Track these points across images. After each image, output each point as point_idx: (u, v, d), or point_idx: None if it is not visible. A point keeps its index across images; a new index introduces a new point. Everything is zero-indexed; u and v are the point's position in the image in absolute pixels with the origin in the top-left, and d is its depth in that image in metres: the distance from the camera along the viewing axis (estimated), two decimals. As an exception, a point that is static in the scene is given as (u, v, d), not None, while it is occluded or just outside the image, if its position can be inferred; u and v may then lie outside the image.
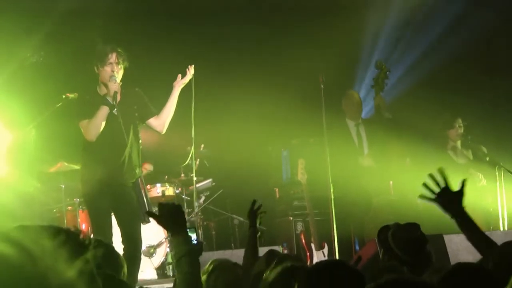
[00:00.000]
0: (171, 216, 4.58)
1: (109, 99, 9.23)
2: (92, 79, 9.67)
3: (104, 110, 9.22)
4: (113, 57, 9.34)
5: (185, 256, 4.44)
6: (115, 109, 9.24)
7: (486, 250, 4.61)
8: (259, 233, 6.96)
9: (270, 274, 4.26)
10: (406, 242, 5.26)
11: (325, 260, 8.01)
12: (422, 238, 5.34)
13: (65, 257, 1.08)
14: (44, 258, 1.02)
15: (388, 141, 11.06)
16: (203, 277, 5.75)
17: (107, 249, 6.17)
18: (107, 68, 9.33)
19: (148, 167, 12.10)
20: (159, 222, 4.72)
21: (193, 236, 4.94)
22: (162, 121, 9.63)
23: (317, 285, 3.35)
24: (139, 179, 9.58)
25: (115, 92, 9.20)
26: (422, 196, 4.84)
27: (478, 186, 11.20)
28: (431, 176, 4.87)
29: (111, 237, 9.07)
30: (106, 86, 9.34)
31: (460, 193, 4.85)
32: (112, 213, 9.39)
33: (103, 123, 9.22)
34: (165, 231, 11.53)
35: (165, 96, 9.75)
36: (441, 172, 4.82)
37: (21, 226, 1.11)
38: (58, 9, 11.99)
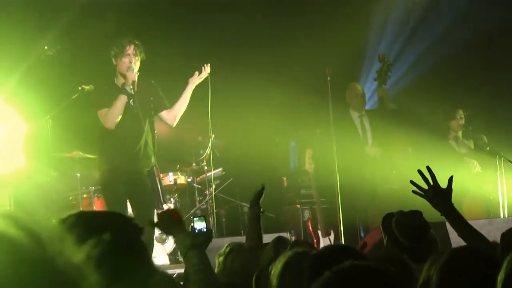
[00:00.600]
0: (166, 221, 4.67)
1: (127, 88, 9.28)
2: (108, 70, 9.71)
3: (122, 99, 9.28)
4: (131, 49, 9.40)
5: (190, 250, 4.50)
6: (132, 99, 9.28)
7: (477, 245, 4.60)
8: (262, 210, 6.96)
9: (281, 259, 4.28)
10: (409, 229, 5.27)
11: (332, 245, 8.05)
12: (425, 225, 5.35)
13: (73, 241, 1.08)
14: (52, 242, 1.01)
15: (391, 132, 11.06)
16: (220, 259, 5.83)
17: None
18: (125, 59, 9.39)
19: None
20: (160, 229, 4.85)
21: (203, 225, 4.94)
22: (173, 114, 9.68)
23: (324, 269, 3.38)
24: (155, 167, 9.63)
25: (133, 82, 9.24)
26: (414, 192, 4.87)
27: (474, 172, 11.23)
28: (420, 172, 4.88)
29: None
30: (124, 76, 9.40)
31: (448, 191, 4.85)
32: (128, 200, 9.46)
33: (121, 112, 9.27)
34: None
35: (179, 89, 9.79)
36: (429, 169, 4.83)
37: (30, 211, 1.03)
38: (74, 3, 12.00)
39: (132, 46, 9.43)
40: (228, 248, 5.80)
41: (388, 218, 5.42)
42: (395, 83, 12.37)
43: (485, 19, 12.86)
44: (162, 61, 12.06)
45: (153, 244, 9.45)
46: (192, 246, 4.53)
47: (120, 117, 9.28)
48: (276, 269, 4.07)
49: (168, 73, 11.67)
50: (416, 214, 5.39)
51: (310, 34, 12.45)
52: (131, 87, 9.24)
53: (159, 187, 9.68)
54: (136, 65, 9.37)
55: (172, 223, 4.69)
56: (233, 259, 5.60)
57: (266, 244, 6.55)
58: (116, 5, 12.68)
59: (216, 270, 5.55)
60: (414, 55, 13.15)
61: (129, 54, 9.43)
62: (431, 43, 13.30)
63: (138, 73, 9.38)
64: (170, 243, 11.49)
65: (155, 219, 4.86)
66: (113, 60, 9.50)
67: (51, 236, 1.03)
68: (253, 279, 4.97)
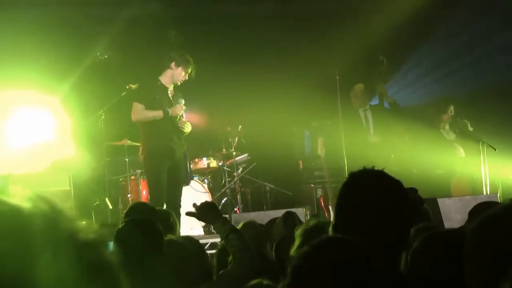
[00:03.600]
0: (204, 211, 4.75)
1: (169, 111, 9.42)
2: (152, 69, 9.86)
3: (159, 114, 9.43)
4: (190, 70, 9.60)
5: (230, 233, 4.59)
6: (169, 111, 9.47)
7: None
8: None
9: (303, 227, 4.32)
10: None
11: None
12: (419, 200, 5.39)
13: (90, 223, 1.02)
14: (74, 218, 0.98)
15: (390, 123, 11.11)
16: None
17: (165, 214, 6.38)
18: (183, 73, 9.56)
19: None
20: (199, 218, 4.91)
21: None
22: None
23: None
24: (186, 151, 9.78)
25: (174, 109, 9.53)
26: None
27: (459, 156, 11.26)
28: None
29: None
30: (171, 82, 9.61)
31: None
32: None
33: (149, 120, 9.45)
34: (210, 195, 11.64)
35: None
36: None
37: (86, 191, 1.04)
38: (121, 16, 12.06)
39: (191, 68, 9.64)
40: (241, 225, 5.90)
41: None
42: (396, 82, 12.43)
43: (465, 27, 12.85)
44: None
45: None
46: (231, 230, 4.63)
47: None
48: (298, 237, 4.13)
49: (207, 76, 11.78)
50: (411, 191, 5.41)
51: (322, 41, 12.45)
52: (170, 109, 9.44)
53: (188, 168, 9.86)
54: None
55: (210, 213, 4.78)
56: (244, 233, 5.71)
57: (276, 218, 6.62)
58: (155, 18, 12.75)
59: None
60: (411, 59, 13.16)
61: (187, 72, 9.60)
62: (426, 48, 13.32)
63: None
64: (205, 217, 11.52)
65: (194, 216, 4.91)
66: (173, 64, 9.61)
67: (73, 214, 1.00)
68: (274, 247, 5.05)
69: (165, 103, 9.56)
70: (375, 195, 3.04)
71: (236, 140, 12.24)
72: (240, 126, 12.28)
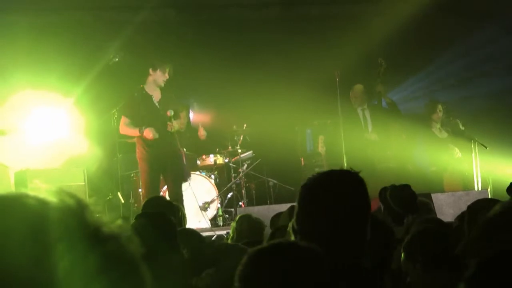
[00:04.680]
0: None
1: (142, 130, 9.69)
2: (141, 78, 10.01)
3: (135, 133, 9.81)
4: (167, 68, 9.75)
5: None
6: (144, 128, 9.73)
7: None
8: None
9: None
10: (400, 199, 5.32)
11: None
12: (413, 195, 5.40)
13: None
14: (98, 212, 0.97)
15: (387, 122, 11.12)
16: (233, 224, 6.00)
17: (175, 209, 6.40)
18: (161, 73, 9.73)
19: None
20: None
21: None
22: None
23: None
24: (181, 150, 9.89)
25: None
26: None
27: (455, 157, 11.25)
28: None
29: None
30: (156, 85, 9.86)
31: None
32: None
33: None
34: (216, 189, 11.66)
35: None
36: None
37: (99, 185, 0.99)
38: (133, 21, 12.08)
39: (169, 67, 9.78)
40: (238, 216, 6.00)
41: (384, 191, 5.46)
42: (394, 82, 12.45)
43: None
44: (204, 71, 12.18)
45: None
46: None
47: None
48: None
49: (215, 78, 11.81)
50: (405, 187, 5.43)
51: (323, 43, 12.45)
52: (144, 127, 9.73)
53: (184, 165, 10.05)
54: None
55: None
56: (241, 222, 5.76)
57: (282, 212, 6.65)
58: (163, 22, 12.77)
59: (230, 233, 5.72)
60: (406, 60, 13.17)
61: (166, 71, 9.74)
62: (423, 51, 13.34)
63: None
64: (212, 210, 11.56)
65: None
66: (150, 69, 9.77)
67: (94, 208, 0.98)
68: (269, 236, 5.08)
69: (148, 113, 9.76)
70: (332, 200, 2.78)
71: (241, 138, 12.28)
72: (245, 125, 12.31)
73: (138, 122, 9.79)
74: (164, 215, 4.51)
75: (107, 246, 0.93)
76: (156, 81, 9.84)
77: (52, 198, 0.95)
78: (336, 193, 2.80)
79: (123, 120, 9.90)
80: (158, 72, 9.78)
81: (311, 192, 2.80)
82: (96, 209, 0.98)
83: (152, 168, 9.79)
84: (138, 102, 9.83)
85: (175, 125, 9.78)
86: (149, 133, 9.66)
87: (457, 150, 11.24)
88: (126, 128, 9.93)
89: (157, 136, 9.67)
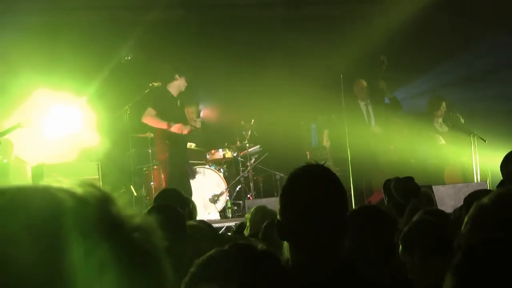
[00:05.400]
0: None
1: (172, 125, 9.91)
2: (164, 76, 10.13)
3: (164, 125, 9.94)
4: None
5: None
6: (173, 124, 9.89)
7: None
8: None
9: None
10: (403, 190, 5.32)
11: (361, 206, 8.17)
12: (416, 187, 5.40)
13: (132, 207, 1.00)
14: (122, 204, 0.96)
15: (390, 116, 11.12)
16: (247, 216, 6.02)
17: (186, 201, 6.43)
18: (185, 81, 9.86)
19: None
20: None
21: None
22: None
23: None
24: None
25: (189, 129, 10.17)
26: None
27: (439, 144, 11.27)
28: None
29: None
30: (179, 91, 10.14)
31: None
32: None
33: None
34: (225, 182, 11.68)
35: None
36: None
37: (113, 179, 0.95)
38: (144, 20, 12.09)
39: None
40: (254, 208, 6.03)
41: (387, 183, 5.46)
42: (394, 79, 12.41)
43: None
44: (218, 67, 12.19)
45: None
46: None
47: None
48: None
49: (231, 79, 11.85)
50: (409, 179, 5.43)
51: (328, 43, 12.41)
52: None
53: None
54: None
55: None
56: (256, 212, 5.79)
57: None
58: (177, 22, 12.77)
59: (247, 224, 5.74)
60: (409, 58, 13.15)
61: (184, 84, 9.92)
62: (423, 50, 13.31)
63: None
64: (221, 203, 11.58)
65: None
66: (177, 74, 9.92)
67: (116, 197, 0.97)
68: (263, 227, 5.07)
69: (173, 112, 9.91)
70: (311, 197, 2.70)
71: (249, 133, 12.28)
72: (252, 120, 12.31)
73: (164, 117, 9.91)
74: (172, 207, 4.47)
75: (132, 238, 0.92)
76: (180, 86, 10.15)
77: (78, 189, 0.94)
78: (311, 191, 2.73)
79: (150, 111, 9.99)
80: (183, 79, 10.02)
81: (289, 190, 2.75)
82: (121, 202, 0.98)
83: (174, 164, 9.91)
84: (166, 98, 9.98)
85: (198, 123, 10.00)
86: (180, 127, 9.81)
87: (440, 138, 11.26)
88: (151, 119, 10.01)
89: (186, 132, 9.83)
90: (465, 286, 1.53)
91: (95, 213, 0.91)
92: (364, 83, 11.22)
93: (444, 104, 11.43)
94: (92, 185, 0.96)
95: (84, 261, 0.85)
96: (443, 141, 11.24)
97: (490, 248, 1.60)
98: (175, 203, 4.90)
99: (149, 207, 5.01)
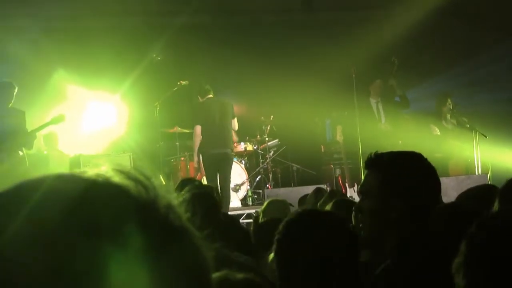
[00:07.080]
0: None
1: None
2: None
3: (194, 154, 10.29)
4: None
5: None
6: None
7: None
8: None
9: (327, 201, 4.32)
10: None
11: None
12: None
13: (170, 190, 0.95)
14: (154, 189, 0.91)
15: (399, 113, 11.09)
16: (263, 208, 6.02)
17: (210, 189, 6.43)
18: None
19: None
20: None
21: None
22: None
23: None
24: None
25: None
26: None
27: (433, 135, 11.21)
28: None
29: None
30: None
31: None
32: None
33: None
34: (246, 173, 11.71)
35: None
36: None
37: (143, 170, 0.89)
38: (174, 23, 12.11)
39: None
40: (268, 200, 6.03)
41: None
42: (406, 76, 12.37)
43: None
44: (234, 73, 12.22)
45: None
46: None
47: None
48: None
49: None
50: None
51: (341, 45, 12.35)
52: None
53: None
54: None
55: None
56: (269, 204, 5.80)
57: (307, 194, 6.67)
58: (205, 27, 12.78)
59: (260, 215, 5.73)
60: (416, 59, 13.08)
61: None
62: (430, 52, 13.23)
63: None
64: (242, 192, 11.62)
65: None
66: (199, 96, 9.96)
67: (153, 185, 0.92)
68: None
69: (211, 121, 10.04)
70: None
71: (268, 128, 12.31)
72: (272, 116, 12.34)
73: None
74: (207, 194, 4.42)
75: (169, 216, 0.88)
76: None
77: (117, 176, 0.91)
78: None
79: (197, 128, 10.03)
80: (201, 100, 10.09)
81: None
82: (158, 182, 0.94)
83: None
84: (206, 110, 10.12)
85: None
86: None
87: (436, 128, 11.21)
88: (196, 137, 10.07)
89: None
90: (477, 254, 1.48)
91: (136, 194, 0.87)
92: (379, 83, 11.17)
93: (449, 100, 11.37)
94: (139, 170, 0.93)
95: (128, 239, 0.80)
96: (437, 132, 11.18)
97: (503, 217, 1.56)
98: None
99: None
